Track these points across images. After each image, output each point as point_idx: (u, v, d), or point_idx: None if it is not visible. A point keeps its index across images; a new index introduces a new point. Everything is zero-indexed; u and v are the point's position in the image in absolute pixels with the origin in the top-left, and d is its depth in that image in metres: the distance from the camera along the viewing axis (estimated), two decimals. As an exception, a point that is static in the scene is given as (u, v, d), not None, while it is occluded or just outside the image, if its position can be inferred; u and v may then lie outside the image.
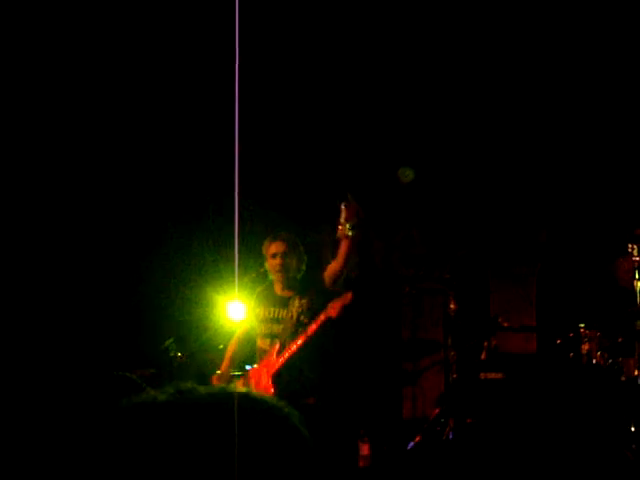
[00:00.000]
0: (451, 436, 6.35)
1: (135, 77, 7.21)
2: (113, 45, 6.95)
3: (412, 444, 6.54)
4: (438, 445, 6.43)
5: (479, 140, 7.60)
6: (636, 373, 5.88)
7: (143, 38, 6.97)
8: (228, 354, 5.97)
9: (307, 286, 5.70)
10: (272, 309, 5.76)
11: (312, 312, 5.59)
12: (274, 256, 5.70)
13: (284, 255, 5.68)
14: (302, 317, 5.63)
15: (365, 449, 6.60)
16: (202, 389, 1.53)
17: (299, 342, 5.56)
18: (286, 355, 5.60)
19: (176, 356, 5.79)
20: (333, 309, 5.50)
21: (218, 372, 5.99)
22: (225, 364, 5.94)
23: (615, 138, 7.25)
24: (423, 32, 7.14)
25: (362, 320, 6.82)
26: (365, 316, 7.02)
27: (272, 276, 5.75)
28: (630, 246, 5.94)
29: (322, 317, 5.53)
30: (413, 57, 7.32)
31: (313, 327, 5.55)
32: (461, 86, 7.43)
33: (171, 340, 5.54)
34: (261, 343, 5.81)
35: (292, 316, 5.68)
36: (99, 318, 7.11)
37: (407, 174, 7.52)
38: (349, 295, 5.52)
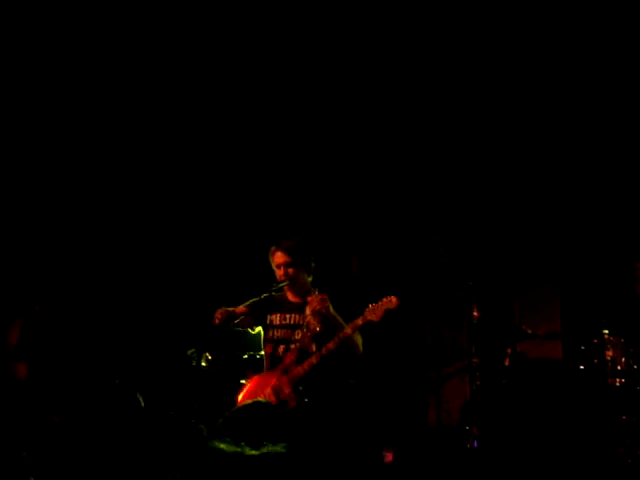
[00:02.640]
0: (475, 444, 6.34)
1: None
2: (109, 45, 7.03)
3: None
4: (462, 453, 6.40)
5: (499, 149, 7.55)
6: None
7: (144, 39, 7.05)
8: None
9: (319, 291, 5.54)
10: (287, 315, 5.66)
11: (326, 319, 5.49)
12: (278, 267, 5.63)
13: (287, 265, 5.59)
14: (317, 324, 5.54)
15: (389, 457, 6.58)
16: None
17: (330, 347, 5.39)
18: (313, 362, 5.44)
19: (198, 365, 5.79)
20: (374, 313, 5.33)
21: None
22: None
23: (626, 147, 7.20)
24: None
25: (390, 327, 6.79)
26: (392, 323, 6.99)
27: (281, 284, 5.63)
28: None
29: (359, 321, 5.35)
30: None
31: (348, 332, 5.39)
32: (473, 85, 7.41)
33: (193, 350, 5.55)
34: (271, 349, 5.66)
35: (309, 322, 5.60)
36: (123, 324, 7.16)
37: None
38: (394, 300, 5.33)
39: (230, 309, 5.57)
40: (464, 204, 7.70)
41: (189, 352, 5.53)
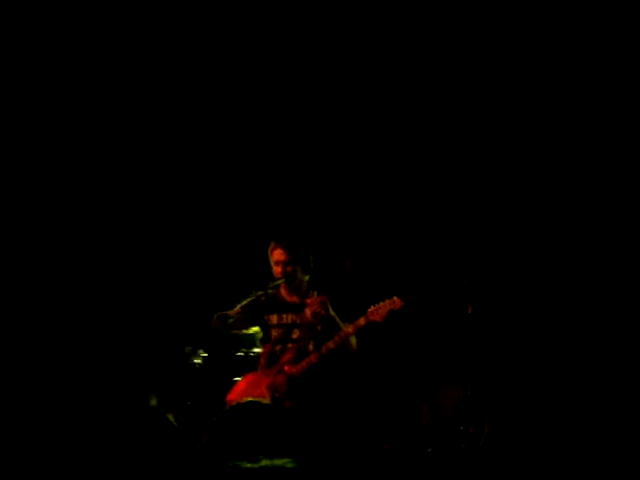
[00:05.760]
0: (469, 444, 6.34)
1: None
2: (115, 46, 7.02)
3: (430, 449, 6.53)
4: (457, 452, 6.41)
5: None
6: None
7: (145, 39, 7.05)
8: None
9: (318, 292, 5.58)
10: (284, 315, 5.65)
11: (325, 319, 5.49)
12: (277, 263, 5.60)
13: (286, 264, 5.57)
14: (316, 323, 5.54)
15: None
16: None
17: (330, 346, 5.42)
18: (312, 360, 5.46)
19: (195, 363, 5.77)
20: (377, 314, 5.37)
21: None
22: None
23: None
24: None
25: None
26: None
27: (278, 281, 5.60)
28: None
29: (362, 321, 5.39)
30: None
31: (349, 331, 5.42)
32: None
33: (190, 348, 5.54)
34: (267, 348, 5.66)
35: (307, 322, 5.59)
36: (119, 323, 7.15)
37: None
38: (397, 301, 5.39)
39: (223, 313, 5.53)
40: (457, 201, 7.69)
41: (187, 349, 5.51)
